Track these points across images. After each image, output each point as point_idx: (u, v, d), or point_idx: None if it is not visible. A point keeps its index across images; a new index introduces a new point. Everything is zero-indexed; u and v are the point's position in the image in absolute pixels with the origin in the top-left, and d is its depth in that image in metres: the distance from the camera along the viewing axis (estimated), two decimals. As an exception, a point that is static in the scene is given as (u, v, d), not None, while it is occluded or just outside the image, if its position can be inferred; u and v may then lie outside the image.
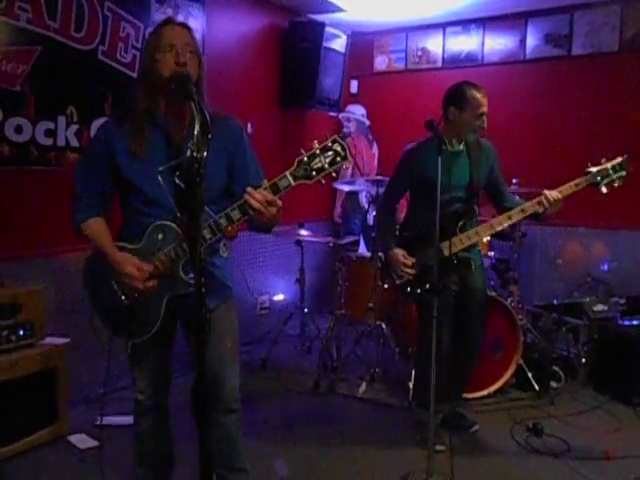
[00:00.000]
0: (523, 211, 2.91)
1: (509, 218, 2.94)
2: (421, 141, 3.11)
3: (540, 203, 2.84)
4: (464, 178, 3.02)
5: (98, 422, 3.19)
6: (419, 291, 3.03)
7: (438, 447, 3.01)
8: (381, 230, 3.32)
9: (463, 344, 3.15)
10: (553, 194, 2.81)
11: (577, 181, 2.84)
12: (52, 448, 3.03)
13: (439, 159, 2.56)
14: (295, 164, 1.85)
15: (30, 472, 2.82)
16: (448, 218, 2.89)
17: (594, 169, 2.83)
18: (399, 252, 3.03)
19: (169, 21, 2.07)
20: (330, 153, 1.83)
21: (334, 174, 1.90)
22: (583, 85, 4.82)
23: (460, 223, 2.98)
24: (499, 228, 2.95)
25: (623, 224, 4.61)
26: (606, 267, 4.72)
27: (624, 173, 2.84)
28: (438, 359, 3.08)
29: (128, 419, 3.03)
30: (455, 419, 3.29)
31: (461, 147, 3.06)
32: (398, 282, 3.08)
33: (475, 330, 3.19)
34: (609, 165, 2.84)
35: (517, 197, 3.31)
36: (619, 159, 2.85)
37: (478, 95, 2.96)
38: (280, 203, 1.88)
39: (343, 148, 1.83)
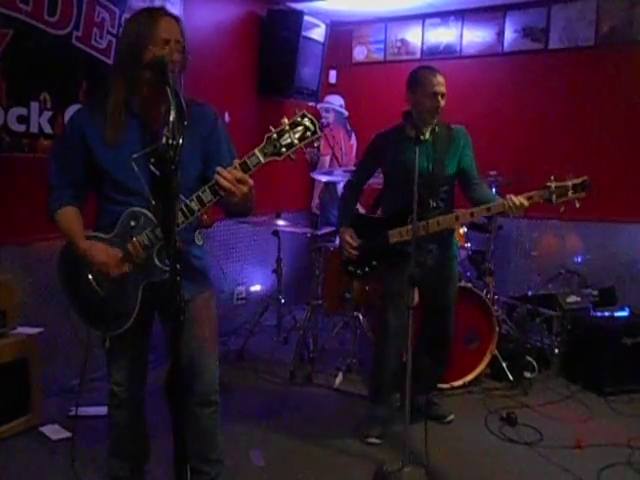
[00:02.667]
0: (472, 214, 2.90)
1: (457, 218, 2.91)
2: (390, 128, 3.13)
3: (503, 205, 2.78)
4: (424, 168, 2.89)
5: (72, 413, 3.15)
6: (359, 272, 3.16)
7: (372, 440, 3.10)
8: (341, 208, 3.38)
9: (434, 337, 3.21)
10: (516, 201, 2.73)
11: (531, 194, 2.76)
12: (24, 439, 2.99)
13: (417, 149, 2.57)
14: (264, 141, 1.82)
15: (1, 462, 2.77)
16: (402, 208, 2.87)
17: (553, 185, 2.73)
18: (348, 231, 3.14)
19: (163, 12, 2.00)
20: (300, 128, 1.81)
21: (305, 151, 1.87)
22: (559, 79, 4.86)
23: (411, 215, 2.81)
24: (445, 226, 2.89)
25: (597, 217, 4.67)
26: (580, 259, 4.78)
27: (583, 195, 2.73)
28: (393, 346, 3.17)
29: (102, 410, 3.00)
30: (430, 409, 3.29)
31: (427, 136, 2.95)
32: (343, 258, 3.20)
33: (441, 323, 3.22)
34: (570, 183, 2.72)
35: (490, 189, 3.26)
36: (581, 179, 2.73)
37: (430, 75, 2.94)
38: (251, 182, 1.84)
39: (312, 122, 1.81)
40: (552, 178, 2.75)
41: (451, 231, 3.15)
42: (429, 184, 2.88)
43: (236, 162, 1.85)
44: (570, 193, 2.72)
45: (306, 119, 1.81)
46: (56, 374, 3.40)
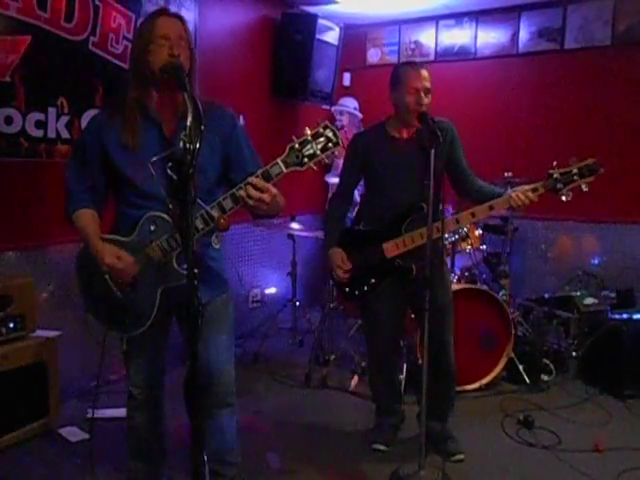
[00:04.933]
0: (473, 215, 2.70)
1: (457, 221, 2.74)
2: (370, 126, 2.98)
3: (491, 208, 2.65)
4: (409, 169, 2.75)
5: (89, 415, 3.18)
6: (356, 293, 2.88)
7: (378, 446, 3.05)
8: (327, 224, 3.04)
9: (433, 357, 2.69)
10: (519, 199, 2.59)
11: (535, 186, 2.59)
12: (43, 441, 3.02)
13: (432, 152, 2.47)
14: (286, 151, 1.84)
15: (20, 465, 2.81)
16: (393, 216, 2.75)
17: (557, 173, 2.55)
18: (337, 253, 2.84)
19: (163, 12, 2.04)
20: (322, 139, 1.83)
21: (326, 160, 1.90)
22: (575, 79, 4.82)
23: (406, 222, 2.74)
24: (452, 228, 2.72)
25: (614, 218, 4.63)
26: (597, 261, 4.74)
27: (592, 179, 2.54)
28: (380, 367, 3.09)
29: (119, 412, 3.04)
30: (442, 440, 2.97)
31: (410, 135, 2.79)
32: (334, 283, 2.94)
33: (436, 343, 2.72)
34: (575, 169, 2.54)
35: (487, 184, 2.91)
36: (588, 161, 2.54)
37: (411, 70, 2.72)
38: (274, 190, 1.87)
39: (335, 134, 1.83)
40: (554, 165, 2.58)
41: (441, 244, 2.83)
42: (418, 188, 2.65)
43: (258, 172, 1.87)
44: (576, 178, 2.54)
45: (328, 130, 1.83)
46: (74, 376, 3.43)
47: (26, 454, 2.90)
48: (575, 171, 2.54)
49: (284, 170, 1.85)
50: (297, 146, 1.83)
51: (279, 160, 1.85)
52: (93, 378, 3.39)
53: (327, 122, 1.85)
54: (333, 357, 4.15)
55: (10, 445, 2.90)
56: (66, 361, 3.25)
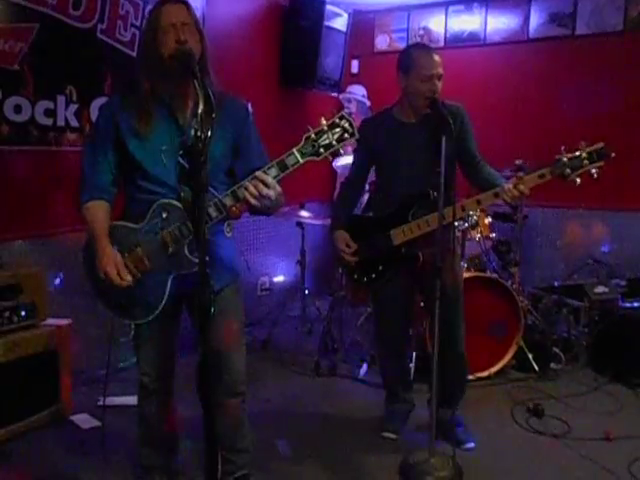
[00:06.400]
0: (478, 202, 2.63)
1: (462, 209, 2.65)
2: (377, 112, 2.95)
3: (497, 196, 2.56)
4: (418, 155, 2.70)
5: (100, 402, 3.20)
6: (365, 279, 2.85)
7: (387, 434, 3.06)
8: (334, 208, 3.08)
9: (443, 344, 2.63)
10: (512, 192, 2.51)
11: (542, 172, 2.50)
12: (55, 428, 3.05)
13: (443, 139, 2.44)
14: (302, 141, 1.84)
15: (33, 452, 2.83)
16: (401, 202, 2.72)
17: (565, 158, 2.45)
18: (342, 235, 2.83)
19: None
20: (338, 129, 1.82)
21: (341, 151, 1.89)
22: (587, 65, 4.76)
23: (413, 209, 2.70)
24: (458, 215, 2.62)
25: (624, 205, 4.60)
26: (607, 249, 4.71)
27: (602, 163, 2.44)
28: (390, 353, 3.11)
29: (131, 399, 3.04)
30: (452, 429, 2.93)
31: (418, 119, 2.73)
32: (342, 268, 2.92)
33: (447, 331, 2.64)
34: (584, 153, 2.44)
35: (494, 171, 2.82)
36: (598, 145, 2.45)
37: (425, 55, 2.65)
38: (279, 189, 1.88)
39: (350, 124, 1.82)
40: (562, 150, 2.48)
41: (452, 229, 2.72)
42: (425, 173, 2.61)
43: (274, 162, 1.86)
44: (585, 163, 2.44)
45: (344, 120, 1.82)
46: (84, 364, 3.44)
47: (38, 441, 2.92)
48: (584, 155, 2.45)
49: (300, 160, 1.84)
50: (313, 136, 1.83)
51: (295, 150, 1.84)
52: (103, 365, 3.41)
53: (343, 112, 1.84)
54: (341, 345, 4.15)
55: (23, 432, 2.92)
56: (77, 349, 3.27)
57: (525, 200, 4.13)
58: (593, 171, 2.46)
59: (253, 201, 1.87)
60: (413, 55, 2.69)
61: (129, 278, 2.00)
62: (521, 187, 2.51)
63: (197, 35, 1.99)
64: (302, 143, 1.84)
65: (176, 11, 1.97)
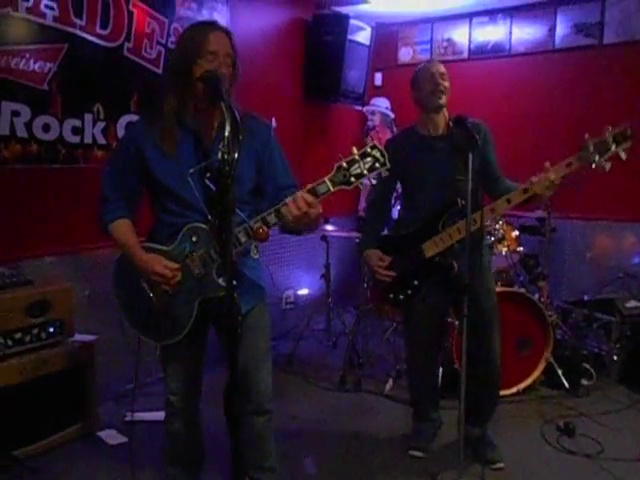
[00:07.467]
0: (508, 201, 2.60)
1: (492, 211, 2.66)
2: (400, 131, 2.98)
3: (526, 191, 2.55)
4: (442, 168, 2.73)
5: (128, 418, 3.22)
6: (401, 297, 2.82)
7: (415, 452, 3.02)
8: (363, 230, 3.07)
9: (477, 362, 2.72)
10: (543, 182, 2.48)
11: (569, 160, 2.46)
12: (82, 444, 3.06)
13: (470, 156, 2.46)
14: (334, 170, 1.83)
15: (60, 468, 2.85)
16: (429, 215, 2.72)
17: (591, 144, 2.41)
18: (374, 253, 2.83)
19: (214, 26, 2.02)
20: (369, 159, 1.82)
21: (373, 181, 1.88)
22: (616, 75, 4.68)
23: (442, 219, 2.69)
24: (499, 212, 2.67)
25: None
26: (638, 262, 4.60)
27: (629, 144, 2.42)
28: (420, 371, 3.09)
29: (158, 415, 3.06)
30: (481, 447, 2.89)
31: (440, 133, 2.80)
32: (375, 288, 2.91)
33: (479, 341, 2.73)
34: (609, 137, 2.42)
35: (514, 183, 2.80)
36: (621, 127, 2.43)
37: (425, 65, 2.82)
38: (320, 208, 1.87)
39: (382, 154, 1.82)
40: (586, 137, 2.44)
41: (480, 238, 2.81)
42: (452, 186, 2.63)
43: (306, 188, 1.86)
44: (613, 147, 2.41)
45: (376, 150, 1.82)
46: (111, 380, 3.47)
47: (66, 457, 2.94)
48: (610, 139, 2.43)
49: (331, 189, 1.84)
50: (345, 165, 1.82)
51: (326, 179, 1.84)
52: (130, 381, 3.43)
53: (375, 142, 1.84)
54: (367, 360, 4.11)
55: (51, 448, 2.94)
56: (103, 364, 3.29)
57: (553, 212, 4.09)
58: (622, 153, 2.43)
59: (292, 218, 1.85)
60: (418, 71, 2.86)
61: (179, 274, 2.00)
62: (552, 176, 2.48)
63: (231, 69, 2.00)
64: (334, 172, 1.83)
65: (221, 41, 1.98)
